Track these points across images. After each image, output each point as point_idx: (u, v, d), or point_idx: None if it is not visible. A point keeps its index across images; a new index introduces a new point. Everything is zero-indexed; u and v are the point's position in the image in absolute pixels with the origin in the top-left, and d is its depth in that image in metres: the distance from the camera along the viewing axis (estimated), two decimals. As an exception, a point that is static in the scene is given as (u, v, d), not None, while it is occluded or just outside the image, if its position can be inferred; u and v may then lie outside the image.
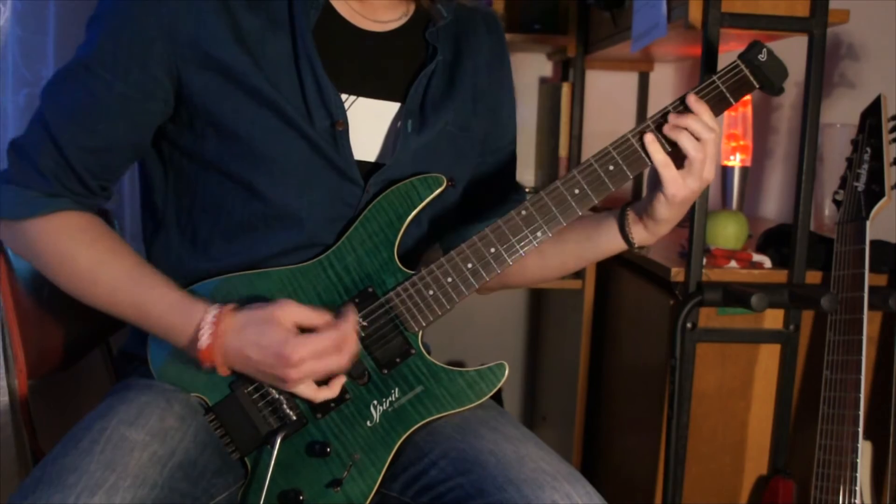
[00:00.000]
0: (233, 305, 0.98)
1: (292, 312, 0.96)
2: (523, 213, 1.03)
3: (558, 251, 1.16)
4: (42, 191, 1.01)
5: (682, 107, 1.04)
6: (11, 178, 1.03)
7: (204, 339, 0.96)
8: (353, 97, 1.07)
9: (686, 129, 1.02)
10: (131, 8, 0.99)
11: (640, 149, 1.03)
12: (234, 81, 1.00)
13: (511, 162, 1.26)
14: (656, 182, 1.04)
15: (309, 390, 0.99)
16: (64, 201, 1.02)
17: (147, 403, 0.98)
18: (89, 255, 1.01)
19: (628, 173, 1.04)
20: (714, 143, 1.02)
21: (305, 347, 0.94)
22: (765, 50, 1.05)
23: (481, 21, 1.20)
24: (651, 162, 1.03)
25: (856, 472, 1.42)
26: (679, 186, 1.03)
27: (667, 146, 1.03)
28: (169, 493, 0.91)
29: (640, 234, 1.11)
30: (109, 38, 0.99)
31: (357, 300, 1.03)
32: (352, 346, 0.97)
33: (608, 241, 1.13)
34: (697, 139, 1.02)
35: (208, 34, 0.99)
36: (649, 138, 1.03)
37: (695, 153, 1.01)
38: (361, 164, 1.07)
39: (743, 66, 1.05)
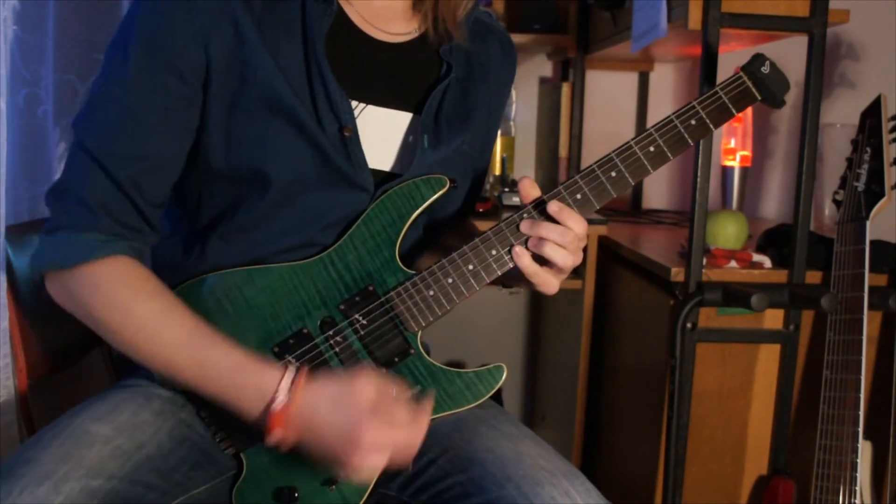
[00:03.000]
0: (307, 368, 0.95)
1: (372, 391, 0.91)
2: (525, 215, 1.03)
3: None
4: (94, 230, 0.96)
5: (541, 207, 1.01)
6: (57, 225, 0.97)
7: (280, 400, 0.91)
8: (362, 104, 1.07)
9: (547, 239, 0.99)
10: (163, 22, 0.97)
11: (504, 254, 1.02)
12: (253, 87, 1.00)
13: (477, 183, 1.26)
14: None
15: (359, 477, 0.96)
16: (119, 245, 0.97)
17: (124, 400, 0.99)
18: (150, 309, 0.96)
19: (621, 188, 1.03)
20: (576, 238, 1.00)
21: (379, 434, 0.89)
22: (768, 62, 1.04)
23: (497, 44, 1.20)
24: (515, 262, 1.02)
25: (856, 472, 1.42)
26: (543, 280, 1.02)
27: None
28: (129, 485, 0.90)
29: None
30: (144, 55, 0.97)
31: (357, 298, 1.03)
32: (414, 451, 0.92)
33: None
34: (560, 245, 0.99)
35: (237, 41, 0.99)
36: (518, 250, 1.01)
37: (554, 255, 0.99)
38: (375, 172, 1.07)
39: (746, 78, 1.05)
